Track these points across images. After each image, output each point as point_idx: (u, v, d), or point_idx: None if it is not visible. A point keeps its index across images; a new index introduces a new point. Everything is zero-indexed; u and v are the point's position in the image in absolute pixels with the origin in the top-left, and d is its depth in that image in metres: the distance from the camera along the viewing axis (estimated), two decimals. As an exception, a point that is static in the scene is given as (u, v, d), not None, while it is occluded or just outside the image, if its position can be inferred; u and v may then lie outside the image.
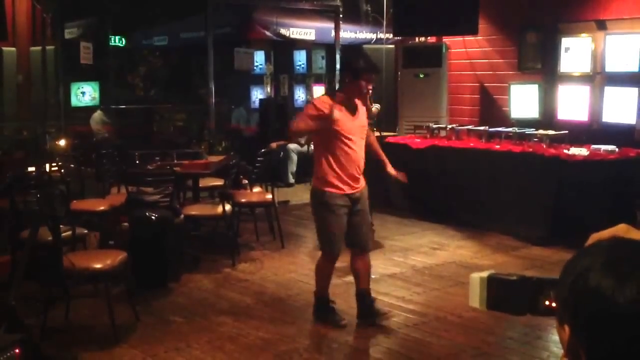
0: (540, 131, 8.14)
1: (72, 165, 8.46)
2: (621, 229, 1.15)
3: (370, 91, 8.20)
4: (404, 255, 7.08)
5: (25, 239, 5.02)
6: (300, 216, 9.02)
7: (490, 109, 9.95)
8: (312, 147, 12.29)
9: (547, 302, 1.22)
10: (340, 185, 4.86)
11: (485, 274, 1.32)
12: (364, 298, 5.11)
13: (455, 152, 8.53)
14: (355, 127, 4.93)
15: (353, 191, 4.90)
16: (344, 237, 4.96)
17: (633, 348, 0.95)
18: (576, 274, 1.01)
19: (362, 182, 5.02)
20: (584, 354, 1.00)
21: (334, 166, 4.85)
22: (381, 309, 5.18)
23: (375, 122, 8.50)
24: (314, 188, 4.96)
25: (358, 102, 5.03)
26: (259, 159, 7.89)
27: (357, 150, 4.92)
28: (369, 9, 12.53)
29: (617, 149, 7.53)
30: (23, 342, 3.32)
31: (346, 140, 4.85)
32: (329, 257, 5.01)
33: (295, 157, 11.26)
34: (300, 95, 13.54)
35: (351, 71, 4.96)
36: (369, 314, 5.09)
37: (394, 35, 10.71)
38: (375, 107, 8.29)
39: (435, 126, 9.22)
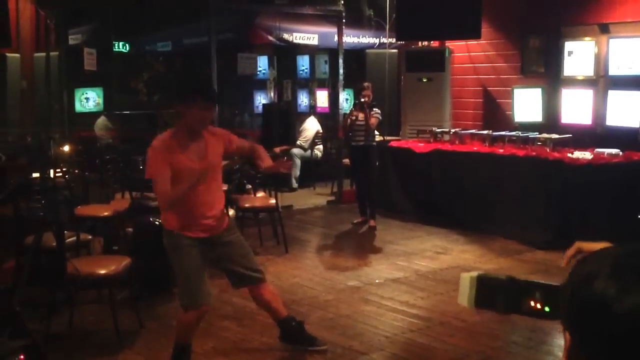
0: (544, 135, 8.14)
1: (76, 171, 8.46)
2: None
3: (368, 99, 8.23)
4: (407, 259, 7.07)
5: (29, 244, 5.03)
6: (303, 221, 9.02)
7: (494, 113, 9.95)
8: (315, 152, 12.29)
9: (532, 303, 1.23)
10: None
11: (475, 273, 1.34)
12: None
13: (458, 156, 8.53)
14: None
15: None
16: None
17: (633, 356, 0.94)
18: (580, 281, 1.01)
19: None
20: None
21: None
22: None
23: (378, 126, 8.49)
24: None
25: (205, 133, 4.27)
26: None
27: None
28: (372, 13, 12.54)
29: (621, 153, 7.52)
30: (27, 348, 3.32)
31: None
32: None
33: (298, 162, 11.26)
34: (303, 100, 13.54)
35: (181, 99, 4.20)
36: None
37: (397, 40, 10.72)
38: (376, 112, 8.28)
39: (438, 130, 9.22)
